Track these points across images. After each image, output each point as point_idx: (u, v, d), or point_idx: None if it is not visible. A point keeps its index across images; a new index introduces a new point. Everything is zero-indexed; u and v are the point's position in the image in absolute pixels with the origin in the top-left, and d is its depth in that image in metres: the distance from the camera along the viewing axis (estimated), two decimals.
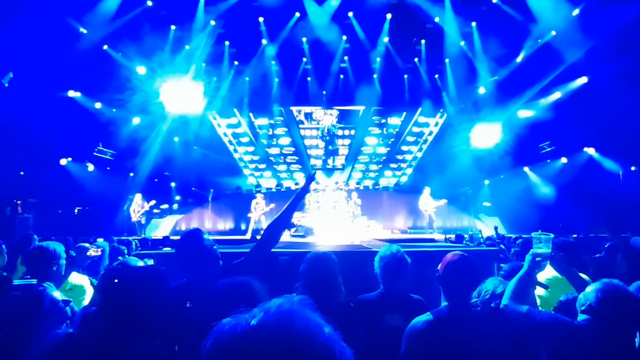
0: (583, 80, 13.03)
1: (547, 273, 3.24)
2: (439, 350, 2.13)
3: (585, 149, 13.63)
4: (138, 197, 12.18)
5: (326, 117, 17.09)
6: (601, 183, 12.59)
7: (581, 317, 2.20)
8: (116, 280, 1.66)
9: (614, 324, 2.09)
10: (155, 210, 13.12)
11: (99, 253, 3.13)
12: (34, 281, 2.68)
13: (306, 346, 0.68)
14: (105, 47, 12.90)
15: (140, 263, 2.39)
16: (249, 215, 12.44)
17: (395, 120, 17.43)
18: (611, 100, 11.30)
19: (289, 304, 0.77)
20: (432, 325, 2.24)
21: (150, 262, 2.91)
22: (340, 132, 17.19)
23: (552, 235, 2.61)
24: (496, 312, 2.39)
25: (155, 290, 1.72)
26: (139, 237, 9.04)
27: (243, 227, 13.32)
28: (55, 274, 2.86)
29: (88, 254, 3.07)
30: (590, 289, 2.22)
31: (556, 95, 13.66)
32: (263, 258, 2.65)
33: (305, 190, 3.04)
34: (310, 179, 3.08)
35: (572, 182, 13.08)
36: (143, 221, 12.10)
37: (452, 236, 8.37)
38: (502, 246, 5.77)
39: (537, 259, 2.57)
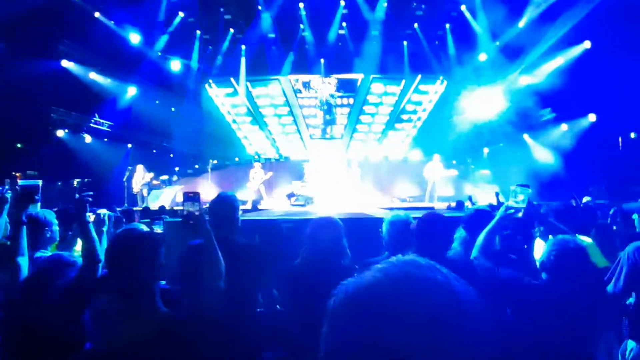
0: (586, 45, 12.80)
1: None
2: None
3: (587, 115, 13.55)
4: (140, 168, 12.11)
5: (324, 85, 16.84)
6: (601, 150, 12.59)
7: (542, 275, 2.28)
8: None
9: (566, 280, 2.13)
10: (154, 182, 13.12)
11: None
12: None
13: (438, 286, 0.65)
14: (97, 14, 12.54)
15: (145, 228, 2.41)
16: (248, 184, 12.46)
17: (394, 89, 17.19)
18: (614, 66, 11.14)
19: (408, 257, 0.74)
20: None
21: (159, 229, 2.94)
22: (339, 101, 16.97)
23: (529, 190, 2.65)
24: (467, 265, 2.44)
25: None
26: (141, 208, 9.09)
27: (243, 197, 13.36)
28: (49, 240, 3.00)
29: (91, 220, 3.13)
30: (544, 247, 2.28)
31: (558, 60, 13.44)
32: None
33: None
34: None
35: (573, 149, 13.07)
36: (145, 193, 12.09)
37: (454, 204, 8.41)
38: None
39: (510, 211, 2.62)
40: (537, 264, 2.91)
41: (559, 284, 2.15)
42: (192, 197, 2.36)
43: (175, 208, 8.93)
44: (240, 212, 2.75)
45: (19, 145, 11.81)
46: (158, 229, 2.65)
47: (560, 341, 2.09)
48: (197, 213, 2.23)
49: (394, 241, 2.76)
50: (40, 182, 2.54)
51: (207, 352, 1.76)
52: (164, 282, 2.29)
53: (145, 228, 2.39)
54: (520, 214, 2.67)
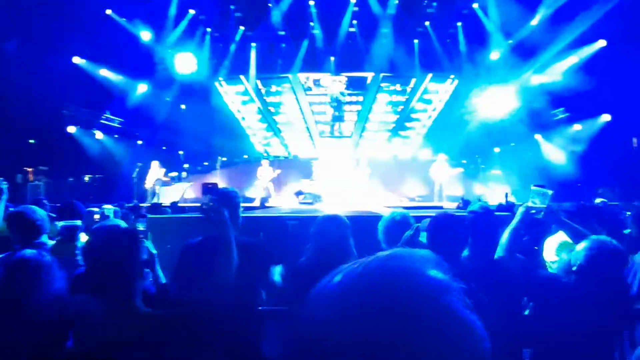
0: (602, 43, 12.56)
1: (560, 237, 3.20)
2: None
3: (601, 115, 13.30)
4: (155, 164, 12.17)
5: (334, 83, 16.77)
6: (615, 150, 12.37)
7: (572, 276, 2.22)
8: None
9: (601, 281, 2.08)
10: (164, 178, 13.21)
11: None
12: None
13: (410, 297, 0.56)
14: (108, 11, 12.63)
15: (123, 224, 2.40)
16: (256, 182, 12.49)
17: (404, 87, 17.06)
18: (629, 65, 10.93)
19: (387, 255, 0.63)
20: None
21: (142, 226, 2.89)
22: (348, 99, 16.90)
23: (550, 192, 2.60)
24: (491, 265, 2.39)
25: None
26: (149, 204, 9.13)
27: (251, 194, 13.38)
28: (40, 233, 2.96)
29: (95, 217, 3.14)
30: (580, 247, 2.22)
31: (573, 59, 13.22)
32: None
33: None
34: None
35: (586, 149, 12.86)
36: (158, 189, 12.15)
37: (461, 203, 8.32)
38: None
39: (532, 211, 2.58)
40: (548, 264, 2.86)
41: (592, 285, 2.09)
42: (210, 188, 2.33)
43: (180, 204, 8.96)
44: (241, 209, 2.68)
45: (31, 141, 11.95)
46: (141, 227, 2.59)
47: (581, 343, 2.04)
48: (213, 205, 2.17)
49: (390, 241, 2.70)
50: (79, 222, 2.63)
51: (198, 350, 1.72)
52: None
53: (123, 224, 2.37)
54: (540, 215, 2.64)
